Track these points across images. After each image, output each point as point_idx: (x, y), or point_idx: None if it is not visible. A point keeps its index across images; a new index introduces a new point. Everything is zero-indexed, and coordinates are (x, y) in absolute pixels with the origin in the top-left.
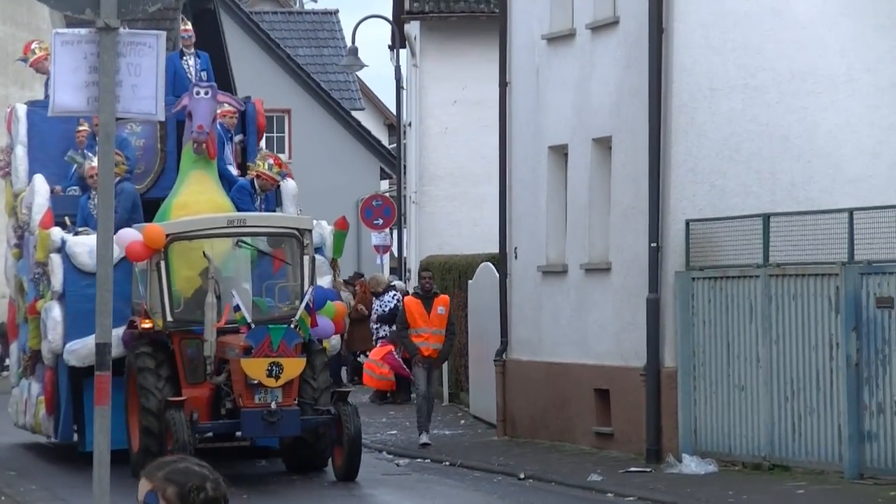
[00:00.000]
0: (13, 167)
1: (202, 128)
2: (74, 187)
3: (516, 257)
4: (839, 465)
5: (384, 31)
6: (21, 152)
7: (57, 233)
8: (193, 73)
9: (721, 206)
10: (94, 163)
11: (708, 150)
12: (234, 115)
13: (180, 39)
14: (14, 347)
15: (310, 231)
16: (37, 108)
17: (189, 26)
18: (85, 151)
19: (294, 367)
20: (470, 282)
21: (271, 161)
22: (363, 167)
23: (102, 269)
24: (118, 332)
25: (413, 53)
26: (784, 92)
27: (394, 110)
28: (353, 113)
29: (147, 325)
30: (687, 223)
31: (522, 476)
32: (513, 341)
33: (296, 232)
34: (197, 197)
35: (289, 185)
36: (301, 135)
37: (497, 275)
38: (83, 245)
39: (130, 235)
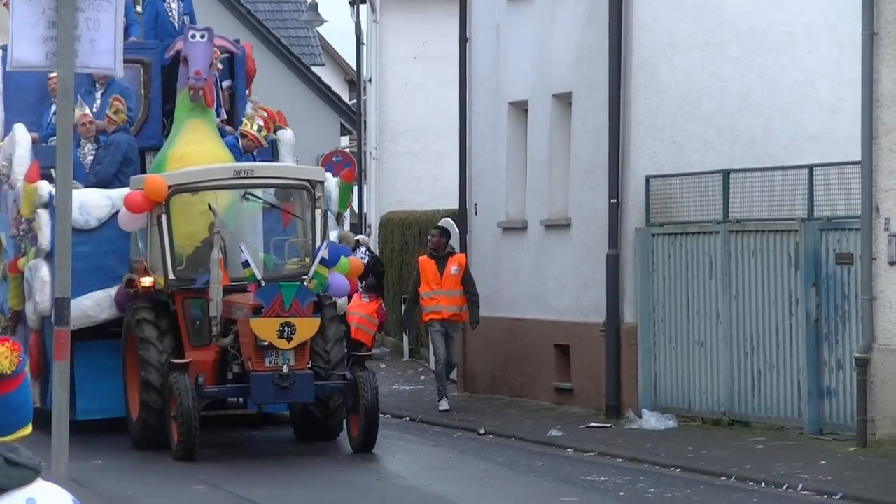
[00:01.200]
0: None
1: (199, 73)
2: (55, 137)
3: (476, 213)
4: (798, 420)
5: None
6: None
7: (44, 187)
8: (176, 16)
9: (681, 162)
10: (86, 110)
11: (668, 106)
12: (218, 57)
13: None
14: None
15: (322, 182)
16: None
17: None
18: (78, 97)
19: (307, 327)
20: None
21: (261, 122)
22: (323, 123)
23: (61, 224)
24: (111, 293)
25: (373, 9)
26: (744, 48)
27: (354, 66)
28: (314, 69)
29: (147, 282)
30: (647, 179)
31: (482, 431)
32: None
33: (307, 183)
34: (195, 147)
35: (286, 135)
36: (261, 90)
37: (457, 231)
38: (74, 200)
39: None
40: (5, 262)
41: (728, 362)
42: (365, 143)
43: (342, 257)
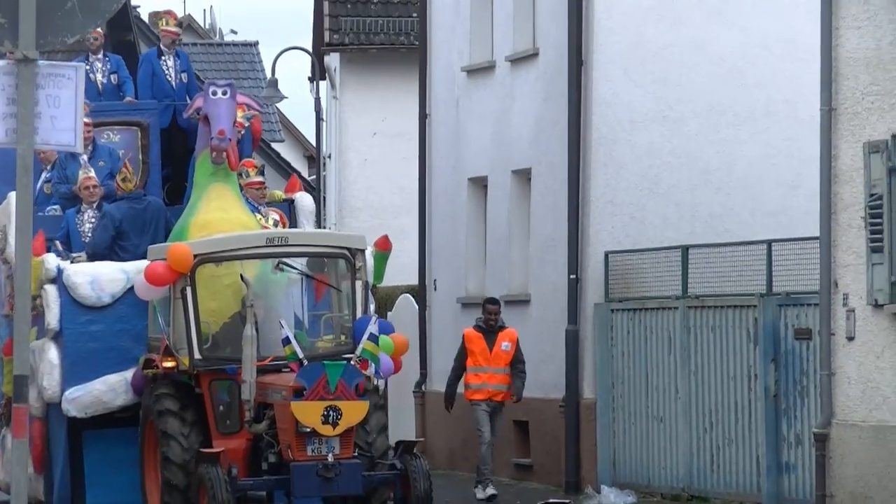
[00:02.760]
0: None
1: (223, 133)
2: (53, 206)
3: (435, 289)
4: (758, 495)
5: (304, 63)
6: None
7: (52, 260)
8: (173, 74)
9: (640, 237)
10: (91, 172)
11: (627, 182)
12: (244, 114)
13: (161, 38)
14: None
15: (363, 251)
16: None
17: (171, 28)
18: (84, 160)
19: (354, 411)
20: (389, 313)
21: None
22: None
23: (21, 300)
24: (126, 376)
25: (333, 85)
26: (703, 124)
27: (314, 142)
28: (273, 145)
29: (169, 363)
30: (606, 255)
31: None
32: (432, 373)
33: (346, 252)
34: (220, 215)
35: (305, 200)
36: None
37: (416, 306)
38: (83, 274)
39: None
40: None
41: (687, 438)
42: (324, 219)
43: (385, 334)
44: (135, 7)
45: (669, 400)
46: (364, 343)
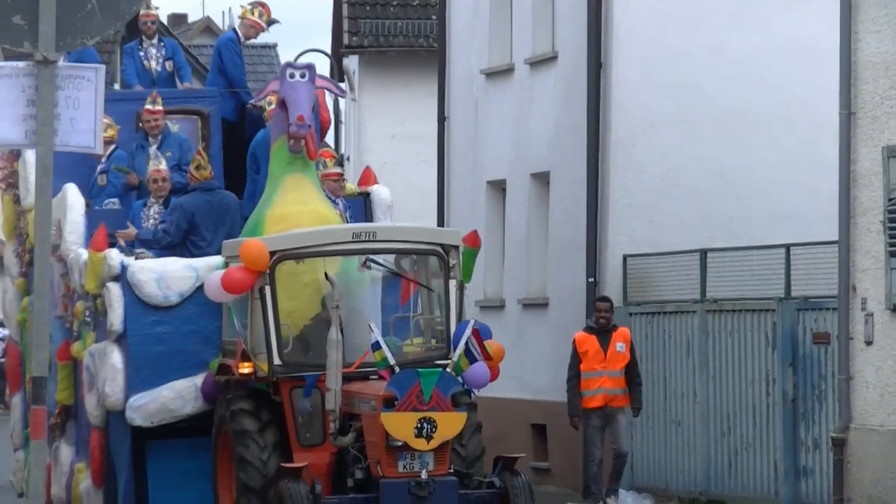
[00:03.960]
0: (22, 177)
1: (303, 119)
2: (113, 199)
3: None
4: (775, 500)
5: (323, 66)
6: (31, 158)
7: (115, 256)
8: (155, 62)
9: (658, 241)
10: (162, 164)
11: (646, 185)
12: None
13: (141, 27)
14: (17, 400)
15: (457, 248)
16: None
17: (150, 10)
18: (155, 151)
19: (451, 424)
20: None
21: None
22: None
23: (38, 302)
24: (196, 382)
25: (351, 87)
26: (721, 128)
27: (332, 144)
28: None
29: (247, 369)
30: (624, 258)
31: None
32: None
33: (439, 249)
34: (298, 208)
35: (382, 193)
36: None
37: None
38: (149, 271)
39: (213, 277)
40: (49, 348)
41: (705, 441)
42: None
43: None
44: (155, 8)
45: (687, 404)
46: (460, 348)
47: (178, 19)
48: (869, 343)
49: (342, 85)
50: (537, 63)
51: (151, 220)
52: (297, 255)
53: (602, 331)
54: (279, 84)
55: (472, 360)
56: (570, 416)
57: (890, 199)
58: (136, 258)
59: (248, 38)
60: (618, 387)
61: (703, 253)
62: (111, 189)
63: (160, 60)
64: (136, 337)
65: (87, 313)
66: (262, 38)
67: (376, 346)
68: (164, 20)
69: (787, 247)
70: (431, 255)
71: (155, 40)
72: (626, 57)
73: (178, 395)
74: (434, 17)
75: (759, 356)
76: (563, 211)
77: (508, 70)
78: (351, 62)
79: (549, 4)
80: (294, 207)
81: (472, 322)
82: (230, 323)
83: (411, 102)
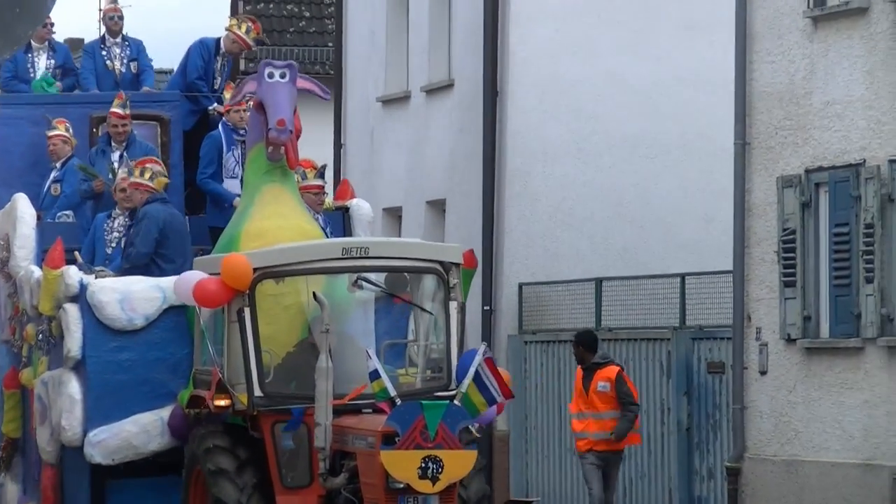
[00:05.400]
0: None
1: (283, 123)
2: (65, 212)
3: None
4: None
5: None
6: None
7: (74, 274)
8: (120, 63)
9: (554, 270)
10: (127, 173)
11: (541, 213)
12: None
13: (103, 23)
14: None
15: (458, 266)
16: None
17: (117, 5)
18: (121, 157)
19: (459, 463)
20: None
21: (251, 24)
22: None
23: None
24: (162, 415)
25: None
26: (617, 157)
27: None
28: None
29: (223, 401)
30: (520, 287)
31: None
32: None
33: (438, 266)
34: (276, 222)
35: (363, 208)
36: None
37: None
38: (111, 291)
39: (189, 277)
40: None
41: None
42: None
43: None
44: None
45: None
46: (468, 379)
47: (75, 44)
48: (763, 373)
49: None
50: (434, 90)
51: (115, 233)
52: (282, 273)
53: (586, 367)
54: (256, 84)
55: (487, 393)
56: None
57: (784, 230)
58: (97, 276)
59: (229, 52)
60: (604, 430)
61: (599, 282)
62: (63, 200)
63: (124, 61)
64: (96, 364)
65: (40, 337)
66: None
67: (374, 376)
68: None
69: (682, 276)
70: (429, 274)
71: (119, 39)
72: (522, 85)
73: (143, 430)
74: (330, 44)
75: (654, 385)
76: (458, 238)
77: (405, 97)
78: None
79: (446, 32)
80: (273, 222)
81: (483, 349)
82: (203, 349)
83: (307, 129)
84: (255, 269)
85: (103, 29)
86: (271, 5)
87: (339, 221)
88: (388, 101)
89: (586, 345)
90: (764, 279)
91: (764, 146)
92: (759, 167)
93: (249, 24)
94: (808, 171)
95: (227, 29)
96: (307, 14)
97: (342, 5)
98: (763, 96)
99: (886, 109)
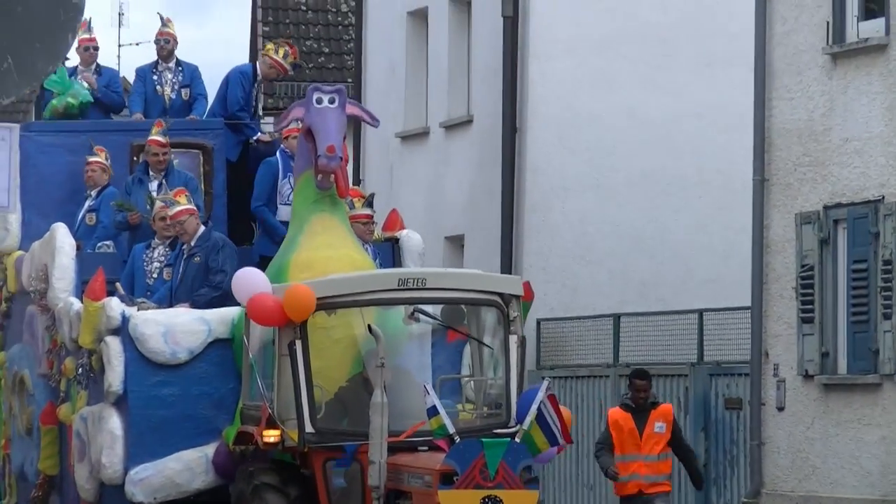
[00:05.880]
0: (0, 216)
1: (333, 150)
2: (105, 242)
3: None
4: None
5: None
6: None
7: (116, 306)
8: (170, 88)
9: (572, 305)
10: (171, 206)
11: (560, 249)
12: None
13: (156, 46)
14: None
15: (518, 298)
16: (33, 134)
17: (171, 30)
18: (163, 186)
19: (520, 503)
20: None
21: (288, 49)
22: None
23: None
24: (207, 452)
25: None
26: (635, 192)
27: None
28: None
29: (272, 438)
30: (538, 322)
31: None
32: None
33: (498, 299)
34: (326, 252)
35: (413, 240)
36: None
37: None
38: (154, 324)
39: (255, 282)
40: (31, 410)
41: None
42: None
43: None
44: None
45: (599, 469)
46: (530, 417)
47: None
48: (781, 409)
49: None
50: (452, 126)
51: (155, 264)
52: (337, 304)
53: (639, 409)
54: (304, 110)
55: (549, 433)
56: (606, 470)
57: (802, 266)
58: (139, 308)
59: (266, 77)
60: (655, 473)
61: (617, 317)
62: (101, 230)
63: (175, 87)
64: (138, 399)
65: (80, 371)
66: None
67: (433, 412)
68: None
69: (700, 312)
70: (488, 306)
71: (172, 63)
72: (541, 120)
73: (187, 468)
74: (350, 79)
75: None
76: None
77: (423, 133)
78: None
79: (465, 68)
80: (322, 252)
81: (545, 385)
82: (252, 384)
83: None
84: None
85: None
86: (290, 40)
87: (389, 253)
88: (406, 137)
89: (650, 381)
90: (782, 315)
91: (782, 182)
92: (778, 203)
93: (287, 48)
94: (826, 208)
95: (263, 54)
96: (326, 49)
97: (361, 41)
98: (782, 132)
99: None
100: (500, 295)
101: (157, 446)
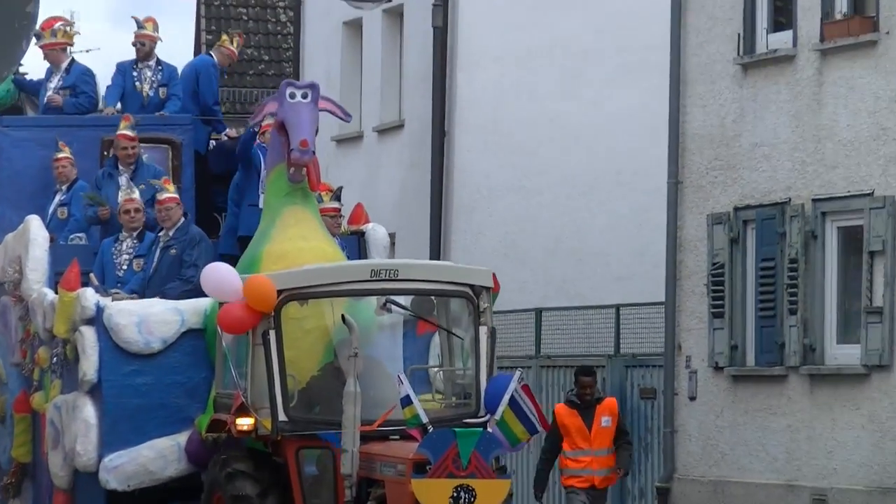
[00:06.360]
0: None
1: (306, 144)
2: (77, 235)
3: None
4: None
5: None
6: None
7: (90, 296)
8: (148, 86)
9: (497, 300)
10: (135, 194)
11: (485, 246)
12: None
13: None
14: None
15: (489, 290)
16: (5, 129)
17: (149, 31)
18: (127, 180)
19: (492, 492)
20: None
21: (238, 38)
22: None
23: None
24: (179, 441)
25: None
26: (557, 194)
27: None
28: None
29: (245, 425)
30: None
31: None
32: None
33: (469, 290)
34: (298, 244)
35: (378, 233)
36: None
37: None
38: (129, 314)
39: (226, 280)
40: (4, 399)
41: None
42: None
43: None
44: (23, 74)
45: (521, 455)
46: (503, 406)
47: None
48: (692, 398)
49: None
50: (385, 130)
51: (124, 256)
52: (309, 294)
53: (585, 406)
54: (277, 105)
55: (526, 420)
56: (536, 490)
57: (713, 264)
58: (113, 298)
59: (223, 65)
60: (605, 467)
61: (538, 312)
62: (73, 223)
63: (154, 85)
64: (112, 388)
65: (54, 360)
66: None
67: (406, 402)
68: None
69: (617, 307)
70: (458, 297)
71: (153, 62)
72: (468, 126)
73: (160, 455)
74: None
75: None
76: None
77: (358, 137)
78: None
79: (397, 76)
80: (294, 244)
81: (517, 375)
82: (226, 372)
83: None
84: (281, 291)
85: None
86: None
87: (355, 246)
88: (342, 141)
89: (595, 378)
90: (694, 310)
91: (695, 185)
92: (691, 205)
93: (237, 37)
94: (736, 209)
95: (219, 45)
96: (266, 57)
97: (299, 49)
98: (695, 138)
99: (811, 151)
100: (471, 286)
101: (130, 434)
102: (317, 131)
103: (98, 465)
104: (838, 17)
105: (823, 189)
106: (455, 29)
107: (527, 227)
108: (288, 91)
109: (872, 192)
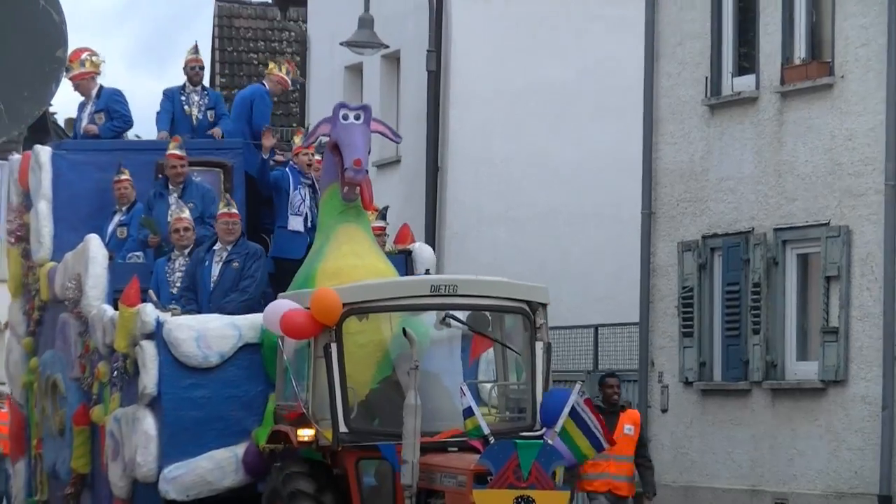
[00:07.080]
0: (34, 229)
1: (360, 163)
2: (136, 253)
3: None
4: None
5: None
6: (45, 210)
7: (150, 311)
8: (197, 109)
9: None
10: (185, 213)
11: (475, 272)
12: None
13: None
14: (20, 466)
15: (545, 307)
16: (63, 153)
17: (199, 56)
18: (176, 199)
19: (552, 503)
20: None
21: (287, 66)
22: None
23: None
24: (237, 452)
25: None
26: (541, 224)
27: None
28: None
29: (307, 436)
30: None
31: None
32: None
33: (525, 306)
34: (352, 261)
35: (425, 252)
36: None
37: None
38: (187, 329)
39: (284, 306)
40: (64, 412)
41: None
42: None
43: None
44: (52, 113)
45: None
46: (563, 418)
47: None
48: (664, 411)
49: None
50: (383, 165)
51: (177, 274)
52: (370, 308)
53: (610, 410)
54: (330, 126)
55: (591, 436)
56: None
57: (683, 287)
58: (172, 314)
59: (273, 94)
60: (623, 473)
61: None
62: (131, 243)
63: (202, 108)
64: (171, 401)
65: (114, 374)
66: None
67: (468, 413)
68: (62, 124)
69: (596, 327)
70: (515, 314)
71: (199, 88)
72: (460, 161)
73: (218, 467)
74: (295, 124)
75: None
76: None
77: None
78: None
79: (395, 115)
80: (348, 261)
81: (578, 388)
82: (286, 384)
83: None
84: (344, 305)
85: (184, 78)
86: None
87: (402, 265)
88: None
89: (619, 383)
90: (666, 330)
91: (667, 215)
92: (663, 234)
93: (286, 65)
94: (704, 238)
95: (268, 73)
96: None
97: (305, 91)
98: (666, 173)
99: (772, 185)
100: (528, 303)
101: (189, 446)
102: (369, 151)
103: (157, 475)
104: (797, 62)
105: (784, 219)
106: (448, 72)
107: (513, 253)
108: (341, 113)
109: (829, 222)
